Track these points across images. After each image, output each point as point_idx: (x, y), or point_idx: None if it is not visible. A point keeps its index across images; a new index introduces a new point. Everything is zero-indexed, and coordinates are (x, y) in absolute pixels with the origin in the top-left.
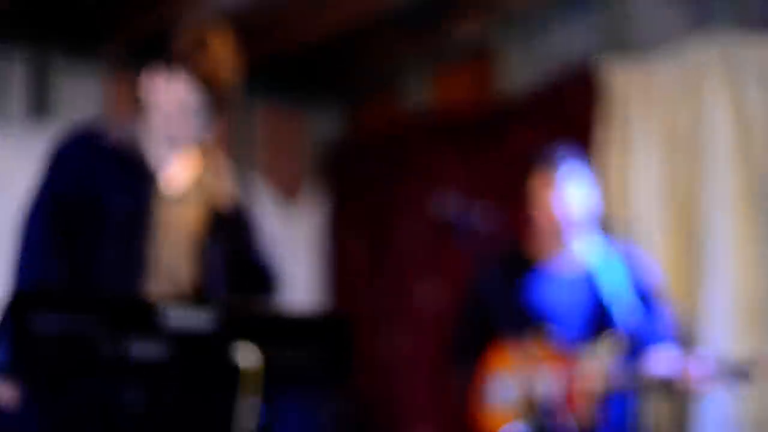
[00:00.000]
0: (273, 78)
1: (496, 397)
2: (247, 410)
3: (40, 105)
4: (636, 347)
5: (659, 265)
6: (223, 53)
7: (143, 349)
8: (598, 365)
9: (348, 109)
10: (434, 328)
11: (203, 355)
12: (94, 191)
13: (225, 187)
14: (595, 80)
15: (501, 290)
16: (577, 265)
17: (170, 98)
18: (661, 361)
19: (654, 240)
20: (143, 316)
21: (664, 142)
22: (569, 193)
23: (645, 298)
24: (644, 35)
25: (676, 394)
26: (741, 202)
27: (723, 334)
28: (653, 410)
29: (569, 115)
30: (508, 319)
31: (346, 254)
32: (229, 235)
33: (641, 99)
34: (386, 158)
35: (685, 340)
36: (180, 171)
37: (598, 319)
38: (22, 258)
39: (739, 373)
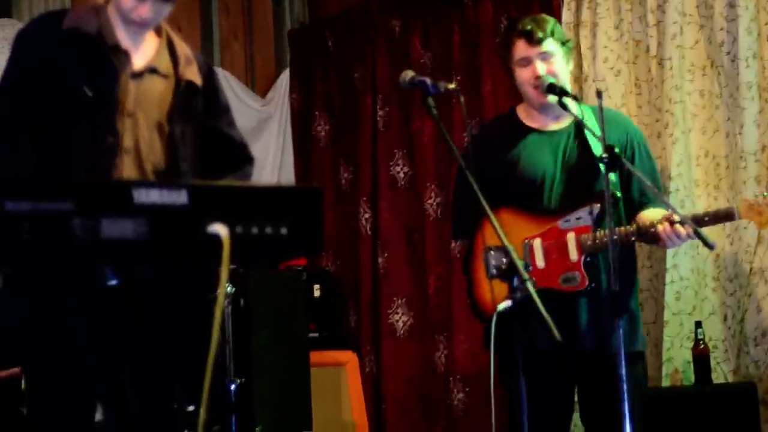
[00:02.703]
0: None
1: (490, 270)
2: (222, 284)
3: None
4: (624, 203)
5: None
6: None
7: (116, 228)
8: (576, 234)
9: None
10: (408, 199)
11: (176, 231)
12: (60, 74)
13: (189, 62)
14: None
15: (492, 155)
16: (565, 128)
17: None
18: (646, 218)
19: (621, 103)
20: (114, 196)
21: (630, 11)
22: (544, 61)
23: (630, 154)
24: None
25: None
26: (703, 69)
27: (688, 191)
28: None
29: None
30: (500, 185)
31: (317, 135)
32: (199, 108)
33: None
34: (350, 37)
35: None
36: (144, 50)
37: (587, 179)
38: None
39: (724, 218)
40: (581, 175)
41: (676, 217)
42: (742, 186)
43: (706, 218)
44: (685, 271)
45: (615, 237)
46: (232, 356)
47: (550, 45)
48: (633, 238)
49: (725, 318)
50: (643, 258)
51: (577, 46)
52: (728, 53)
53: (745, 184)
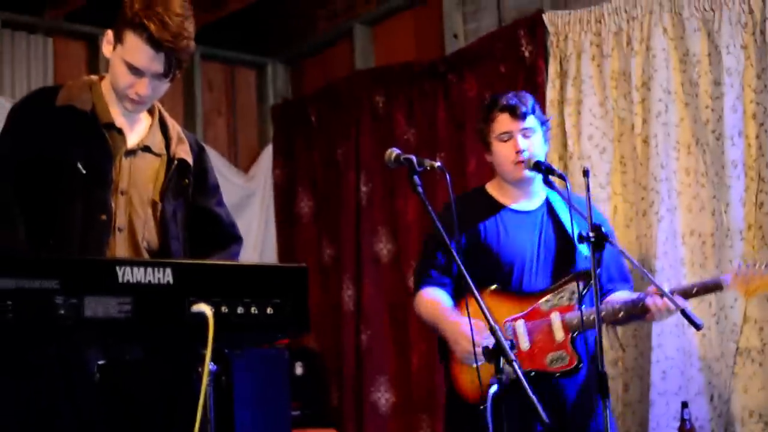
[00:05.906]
0: (218, 41)
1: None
2: (206, 364)
3: None
4: (599, 286)
5: (613, 205)
6: (177, 14)
7: (100, 306)
8: (560, 314)
9: (294, 66)
10: (391, 276)
11: (161, 310)
12: (54, 150)
13: (181, 141)
14: (544, 28)
15: (467, 225)
16: (538, 208)
17: (125, 59)
18: (622, 298)
19: (606, 181)
20: (99, 274)
21: (615, 89)
22: (526, 137)
23: (599, 240)
24: None
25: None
26: (688, 147)
27: (674, 270)
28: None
29: (517, 63)
30: (478, 265)
31: (300, 211)
32: (189, 187)
33: (591, 46)
34: (333, 113)
35: (640, 275)
36: (137, 128)
37: (564, 259)
38: None
39: (713, 288)
40: (559, 254)
41: (666, 289)
42: (728, 265)
43: (695, 290)
44: (670, 351)
45: (603, 314)
46: None
47: (531, 122)
48: (621, 315)
49: (712, 398)
50: (628, 337)
51: (562, 124)
52: (713, 131)
53: (732, 263)
